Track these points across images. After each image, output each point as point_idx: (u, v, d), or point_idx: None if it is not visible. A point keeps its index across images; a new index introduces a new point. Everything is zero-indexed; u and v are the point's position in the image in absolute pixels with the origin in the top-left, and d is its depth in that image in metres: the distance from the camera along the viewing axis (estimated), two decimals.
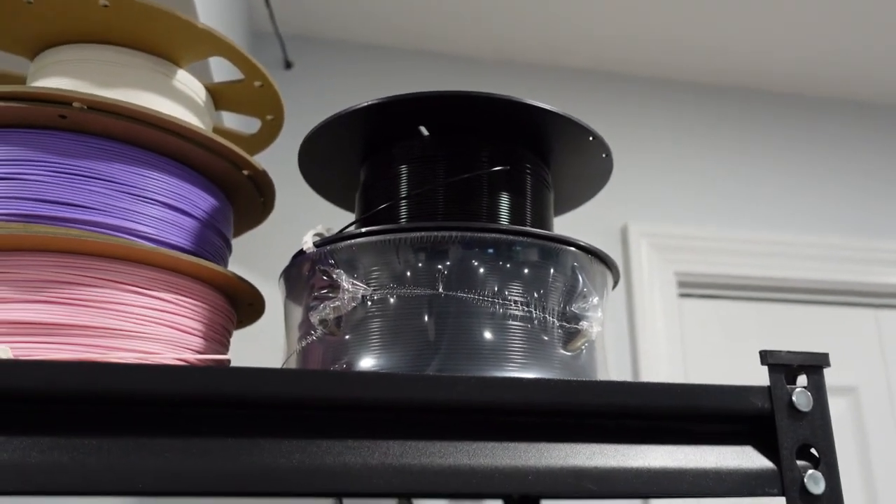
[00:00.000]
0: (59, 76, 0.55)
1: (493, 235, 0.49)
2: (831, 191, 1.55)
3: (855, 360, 1.42)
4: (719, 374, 1.36)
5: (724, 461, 0.45)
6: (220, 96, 0.63)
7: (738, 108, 1.57)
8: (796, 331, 1.42)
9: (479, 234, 0.48)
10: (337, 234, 0.50)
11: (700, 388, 0.46)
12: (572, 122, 0.55)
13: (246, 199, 0.61)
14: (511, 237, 0.49)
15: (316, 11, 1.34)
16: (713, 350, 1.38)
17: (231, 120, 0.87)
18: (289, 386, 0.40)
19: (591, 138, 0.56)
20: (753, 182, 1.51)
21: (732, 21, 1.39)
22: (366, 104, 0.55)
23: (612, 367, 1.27)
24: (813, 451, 0.46)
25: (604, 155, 0.59)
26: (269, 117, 0.66)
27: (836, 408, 1.39)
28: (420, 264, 0.48)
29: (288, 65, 1.35)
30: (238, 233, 0.67)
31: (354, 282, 0.48)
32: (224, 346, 0.56)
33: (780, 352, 0.47)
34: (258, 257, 1.13)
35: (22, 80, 0.62)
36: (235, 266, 1.19)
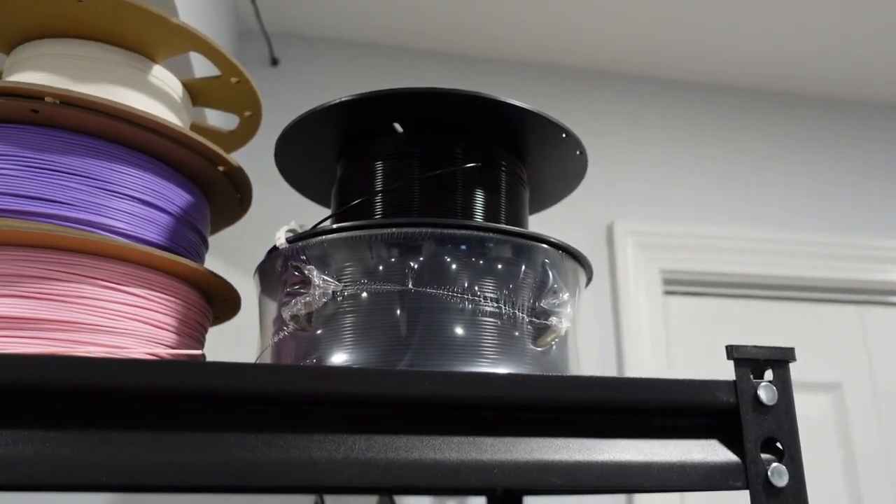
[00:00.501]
0: (34, 70, 0.55)
1: (464, 232, 0.49)
2: (815, 188, 1.56)
3: (839, 356, 1.43)
4: (704, 370, 1.36)
5: (690, 455, 0.46)
6: (197, 93, 0.63)
7: (722, 106, 1.58)
8: (780, 327, 1.43)
9: (448, 231, 0.49)
10: (309, 230, 0.51)
11: (666, 383, 0.46)
12: (545, 120, 0.56)
13: (223, 195, 0.62)
14: (481, 234, 0.50)
15: (303, 9, 1.34)
16: (698, 347, 1.39)
17: (213, 116, 0.87)
18: (253, 380, 0.40)
19: (564, 135, 0.57)
20: (738, 180, 1.52)
21: (720, 19, 1.40)
22: (340, 100, 0.55)
23: (584, 363, 1.28)
24: (778, 444, 0.46)
25: (578, 152, 0.60)
26: (247, 113, 0.67)
27: (820, 405, 1.40)
28: (391, 260, 0.49)
29: (274, 62, 1.35)
30: (216, 229, 0.68)
31: (325, 277, 0.49)
32: (199, 342, 0.56)
33: (745, 346, 0.47)
34: (239, 253, 1.13)
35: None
36: (216, 262, 1.18)
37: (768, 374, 0.48)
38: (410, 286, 0.48)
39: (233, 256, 1.14)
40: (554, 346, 0.51)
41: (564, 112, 1.48)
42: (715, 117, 1.56)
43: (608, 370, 1.31)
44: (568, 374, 0.48)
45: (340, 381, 0.42)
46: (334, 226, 0.49)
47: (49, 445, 0.38)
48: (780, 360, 0.48)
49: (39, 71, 0.55)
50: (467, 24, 1.40)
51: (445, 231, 0.49)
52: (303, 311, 0.49)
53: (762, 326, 1.43)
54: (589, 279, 0.59)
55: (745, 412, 0.46)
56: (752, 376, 0.47)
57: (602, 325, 1.34)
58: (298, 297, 0.49)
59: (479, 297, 0.49)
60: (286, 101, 1.31)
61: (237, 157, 0.76)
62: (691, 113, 1.55)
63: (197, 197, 0.58)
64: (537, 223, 1.32)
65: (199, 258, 0.59)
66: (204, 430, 0.40)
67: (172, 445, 0.39)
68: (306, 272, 0.49)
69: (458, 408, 0.44)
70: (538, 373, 0.50)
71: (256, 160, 0.84)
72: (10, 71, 0.56)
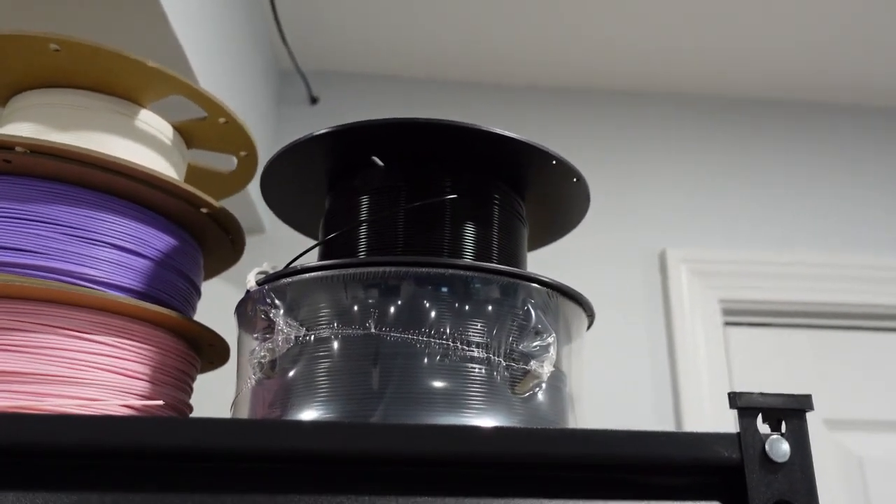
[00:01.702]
0: (21, 121, 0.55)
1: (435, 270, 0.46)
2: (890, 207, 1.43)
3: None
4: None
5: None
6: (190, 135, 0.62)
7: (780, 121, 1.49)
8: (855, 359, 1.31)
9: (418, 269, 0.46)
10: (277, 271, 0.49)
11: (656, 436, 0.41)
12: (534, 148, 0.52)
13: (213, 238, 0.60)
14: (454, 272, 0.46)
15: (338, 47, 1.35)
16: (763, 382, 1.29)
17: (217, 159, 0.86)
18: (189, 436, 0.38)
19: (554, 163, 0.53)
20: (804, 200, 1.42)
21: (771, 30, 1.32)
22: (318, 133, 0.53)
23: (634, 406, 1.20)
24: None
25: (574, 179, 0.55)
26: (242, 153, 0.66)
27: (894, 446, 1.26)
28: (356, 302, 0.46)
29: (313, 100, 1.36)
30: (213, 273, 0.66)
31: (290, 321, 0.46)
32: (181, 390, 0.55)
33: (750, 394, 0.42)
34: None
35: None
36: (221, 307, 1.18)
37: (784, 426, 0.42)
38: (379, 329, 0.45)
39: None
40: (539, 394, 0.46)
41: (604, 138, 1.42)
42: (770, 133, 1.47)
43: (664, 413, 1.23)
44: (548, 426, 0.44)
45: (293, 437, 0.39)
46: (296, 267, 0.46)
47: None
48: (794, 409, 0.42)
49: (27, 122, 0.55)
50: (504, 52, 1.37)
51: (419, 269, 0.46)
52: (266, 358, 0.46)
53: (835, 357, 1.31)
54: (590, 319, 0.54)
55: (750, 470, 0.40)
56: (759, 428, 0.41)
57: (655, 362, 1.26)
58: (264, 343, 0.46)
59: (457, 340, 0.45)
60: None
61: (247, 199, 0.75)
62: (745, 129, 1.47)
63: (182, 241, 0.57)
64: (579, 253, 1.26)
65: (186, 303, 0.58)
66: (142, 491, 0.38)
67: None
68: (272, 315, 0.47)
69: (413, 464, 0.40)
70: (522, 424, 0.45)
71: None
72: (2, 124, 0.57)
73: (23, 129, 0.54)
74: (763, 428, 0.42)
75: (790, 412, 0.42)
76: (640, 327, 1.28)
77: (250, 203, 1.13)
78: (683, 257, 1.31)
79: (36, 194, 0.50)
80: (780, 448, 0.41)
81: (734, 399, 0.42)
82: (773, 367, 1.30)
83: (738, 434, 0.41)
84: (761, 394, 0.42)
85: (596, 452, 0.41)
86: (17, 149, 0.49)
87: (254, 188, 1.01)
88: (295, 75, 1.36)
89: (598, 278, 1.30)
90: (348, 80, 1.41)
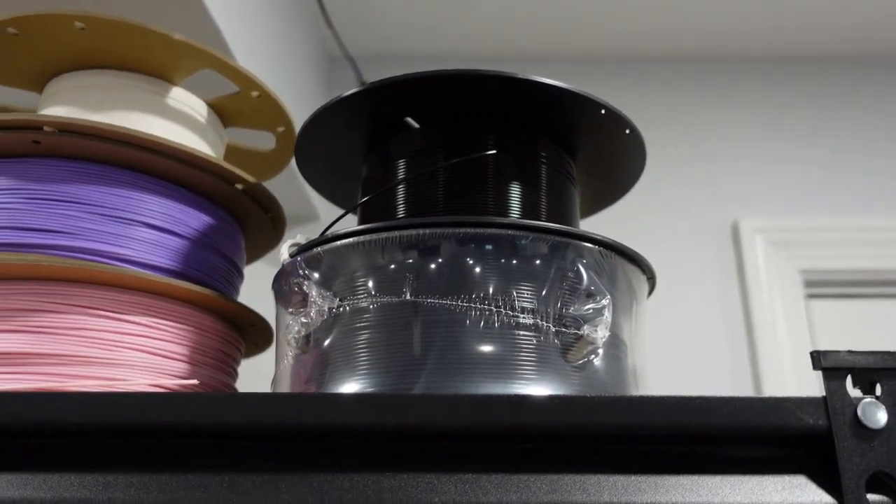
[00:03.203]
0: (55, 105, 0.55)
1: (476, 230, 0.42)
2: None
3: None
4: None
5: (767, 495, 0.35)
6: (223, 112, 0.61)
7: (857, 80, 1.38)
8: None
9: (457, 230, 0.42)
10: (309, 241, 0.46)
11: (732, 402, 0.36)
12: (577, 95, 0.48)
13: (253, 217, 0.58)
14: (496, 231, 0.42)
15: (385, 29, 1.32)
16: None
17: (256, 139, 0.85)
18: (230, 413, 0.35)
19: (602, 111, 0.48)
20: (886, 161, 1.31)
21: None
22: (348, 93, 0.51)
23: (712, 382, 1.13)
24: (891, 482, 0.35)
25: (627, 131, 0.51)
26: (279, 129, 0.63)
27: None
28: (393, 268, 0.43)
29: (363, 85, 1.34)
30: (256, 255, 0.65)
31: (323, 292, 0.43)
32: (222, 371, 0.53)
33: (838, 352, 0.36)
34: None
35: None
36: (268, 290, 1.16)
37: (878, 389, 0.37)
38: (419, 296, 0.42)
39: None
40: (595, 361, 0.42)
41: (670, 105, 1.35)
42: (847, 93, 1.36)
43: (743, 391, 1.15)
44: (609, 395, 0.39)
45: (328, 411, 0.36)
46: (325, 236, 0.44)
47: (32, 488, 0.35)
48: (891, 368, 0.37)
49: (56, 105, 0.54)
50: (562, 23, 1.32)
51: (459, 230, 0.42)
52: (301, 333, 0.43)
53: None
54: (651, 282, 0.49)
55: (841, 439, 0.35)
56: (849, 391, 0.36)
57: (733, 338, 1.19)
58: (297, 317, 0.44)
59: (503, 305, 0.41)
60: None
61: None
62: (820, 90, 1.37)
63: (219, 219, 0.55)
64: (648, 226, 1.20)
65: (227, 283, 0.56)
66: (179, 470, 0.36)
67: (147, 484, 0.35)
68: (305, 288, 0.44)
69: (461, 438, 0.36)
70: (577, 394, 0.41)
71: None
72: (38, 110, 0.57)
73: (56, 112, 0.54)
74: (853, 392, 0.37)
75: (886, 372, 0.37)
76: (715, 304, 1.21)
77: (302, 190, 1.12)
78: (759, 227, 1.24)
79: (65, 174, 0.49)
80: (875, 413, 0.35)
81: (818, 359, 0.37)
82: (862, 341, 1.21)
83: (825, 398, 0.36)
84: (850, 352, 0.36)
85: (662, 422, 0.36)
86: (46, 129, 0.47)
87: None
88: (344, 61, 1.34)
89: (667, 252, 1.24)
90: (397, 62, 1.38)
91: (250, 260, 0.64)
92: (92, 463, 0.35)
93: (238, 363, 0.56)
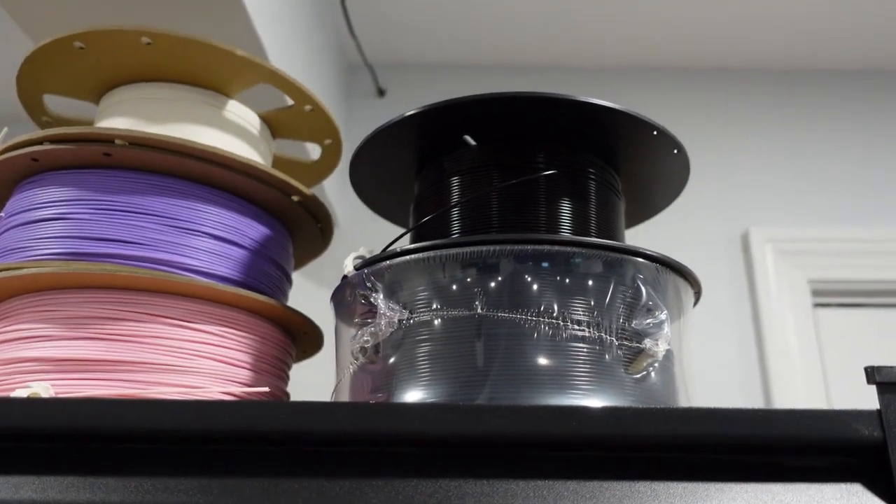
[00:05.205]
0: (116, 117, 0.56)
1: (539, 247, 0.44)
2: None
3: None
4: (872, 393, 1.20)
5: (826, 502, 0.37)
6: (275, 124, 0.62)
7: (866, 93, 1.41)
8: None
9: (521, 247, 0.44)
10: (375, 255, 0.48)
11: (789, 414, 0.38)
12: (632, 118, 0.50)
13: (303, 227, 0.60)
14: (564, 248, 0.44)
15: (404, 38, 1.34)
16: (860, 367, 1.22)
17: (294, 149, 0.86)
18: (295, 421, 0.37)
19: (655, 133, 0.50)
20: (891, 172, 1.34)
21: (861, 3, 1.25)
22: (408, 113, 0.52)
23: (723, 393, 1.16)
24: None
25: (675, 151, 0.53)
26: (327, 142, 0.65)
27: None
28: (463, 283, 0.45)
29: (381, 92, 1.36)
30: (302, 262, 0.66)
31: (392, 305, 0.45)
32: (279, 378, 0.55)
33: (891, 367, 0.39)
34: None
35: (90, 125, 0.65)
36: (315, 295, 1.18)
37: None
38: (483, 310, 0.43)
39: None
40: (652, 373, 0.44)
41: (682, 114, 1.37)
42: (856, 105, 1.39)
43: (754, 399, 1.18)
44: (665, 405, 0.42)
45: (404, 420, 0.38)
46: (397, 249, 0.45)
47: (107, 491, 0.36)
48: None
49: (121, 116, 0.56)
50: (579, 33, 1.34)
51: (518, 247, 0.44)
52: (370, 343, 0.45)
53: None
54: (697, 295, 0.51)
55: (895, 450, 0.37)
56: None
57: (743, 347, 1.21)
58: (366, 328, 0.46)
59: (564, 319, 0.43)
60: None
61: (328, 188, 0.75)
62: (830, 102, 1.40)
63: (274, 229, 0.57)
64: (658, 236, 1.22)
65: (279, 291, 0.58)
66: (252, 475, 0.37)
67: (225, 490, 0.36)
68: (372, 300, 0.46)
69: (526, 447, 0.38)
70: (638, 405, 0.43)
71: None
72: (97, 120, 0.58)
73: (118, 123, 0.55)
74: None
75: None
76: (725, 313, 1.23)
77: (324, 197, 1.13)
78: (768, 237, 1.26)
79: (136, 186, 0.50)
80: None
81: (872, 374, 0.39)
82: (869, 350, 1.24)
83: (879, 411, 0.38)
84: None
85: (722, 432, 0.38)
86: (117, 142, 0.49)
87: (327, 182, 1.01)
88: (362, 68, 1.36)
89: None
90: (415, 71, 1.40)
91: (296, 267, 0.66)
92: (190, 469, 0.37)
93: (290, 369, 0.58)
